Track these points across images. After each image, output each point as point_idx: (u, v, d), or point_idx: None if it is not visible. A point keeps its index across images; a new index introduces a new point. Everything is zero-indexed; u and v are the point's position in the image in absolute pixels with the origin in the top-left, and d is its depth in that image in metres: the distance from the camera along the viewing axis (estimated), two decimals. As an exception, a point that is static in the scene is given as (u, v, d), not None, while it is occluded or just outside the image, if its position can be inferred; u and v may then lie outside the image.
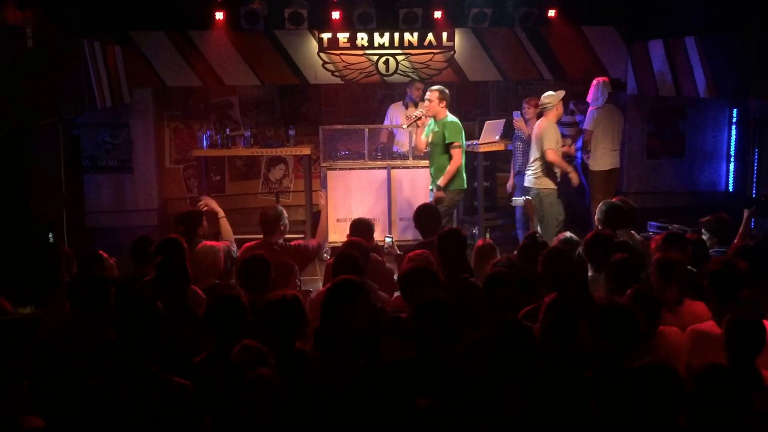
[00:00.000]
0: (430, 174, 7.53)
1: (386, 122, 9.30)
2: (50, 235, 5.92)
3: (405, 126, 8.23)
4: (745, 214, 5.84)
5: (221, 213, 5.82)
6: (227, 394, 2.99)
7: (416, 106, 9.11)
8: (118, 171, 9.48)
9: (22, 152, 5.94)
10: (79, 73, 6.95)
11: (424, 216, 5.83)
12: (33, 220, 5.89)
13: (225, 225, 5.78)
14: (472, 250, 5.32)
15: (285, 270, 4.73)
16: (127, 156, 9.50)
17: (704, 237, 5.57)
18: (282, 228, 5.70)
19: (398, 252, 5.99)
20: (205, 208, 5.89)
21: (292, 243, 5.84)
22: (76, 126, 8.44)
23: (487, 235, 8.62)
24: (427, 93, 7.46)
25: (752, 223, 6.01)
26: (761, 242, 5.41)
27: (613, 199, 5.94)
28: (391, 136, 9.34)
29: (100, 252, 5.12)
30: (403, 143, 9.05)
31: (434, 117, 7.41)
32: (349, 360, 3.44)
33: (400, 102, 9.39)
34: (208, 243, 5.14)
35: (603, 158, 8.45)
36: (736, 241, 5.56)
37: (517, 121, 8.36)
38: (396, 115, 9.23)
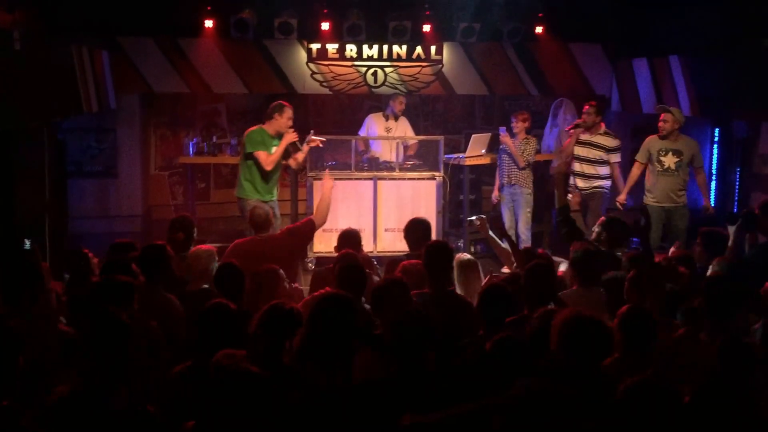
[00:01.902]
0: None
1: (362, 131, 9.33)
2: (27, 242, 5.83)
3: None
4: (730, 229, 5.90)
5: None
6: (212, 397, 2.93)
7: (396, 119, 9.17)
8: (103, 176, 9.44)
9: (7, 155, 5.90)
10: (66, 77, 6.93)
11: (413, 230, 5.82)
12: (16, 224, 5.84)
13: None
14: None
15: (270, 277, 4.72)
16: (112, 161, 9.47)
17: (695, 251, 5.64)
18: (273, 225, 5.81)
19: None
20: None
21: (283, 228, 5.94)
22: (62, 130, 8.39)
23: (472, 249, 8.66)
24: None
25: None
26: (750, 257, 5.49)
27: (611, 215, 5.97)
28: (367, 144, 9.36)
29: (85, 250, 5.05)
30: (379, 153, 9.08)
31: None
32: (324, 375, 3.38)
33: (380, 113, 9.41)
34: (203, 247, 5.13)
35: None
36: (727, 255, 5.62)
37: (504, 135, 8.40)
38: (373, 125, 9.26)
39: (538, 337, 3.51)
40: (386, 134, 9.12)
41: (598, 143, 8.07)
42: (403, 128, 9.27)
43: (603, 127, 8.15)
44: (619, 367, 3.50)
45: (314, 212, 6.46)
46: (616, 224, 5.67)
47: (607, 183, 8.18)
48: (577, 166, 8.17)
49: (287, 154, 7.51)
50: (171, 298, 4.55)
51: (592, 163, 8.09)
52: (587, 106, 8.10)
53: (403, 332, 3.38)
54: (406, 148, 9.17)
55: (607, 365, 3.44)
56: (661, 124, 7.49)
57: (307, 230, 6.01)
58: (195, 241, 5.69)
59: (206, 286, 4.78)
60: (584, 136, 8.11)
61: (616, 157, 8.10)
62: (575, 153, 8.15)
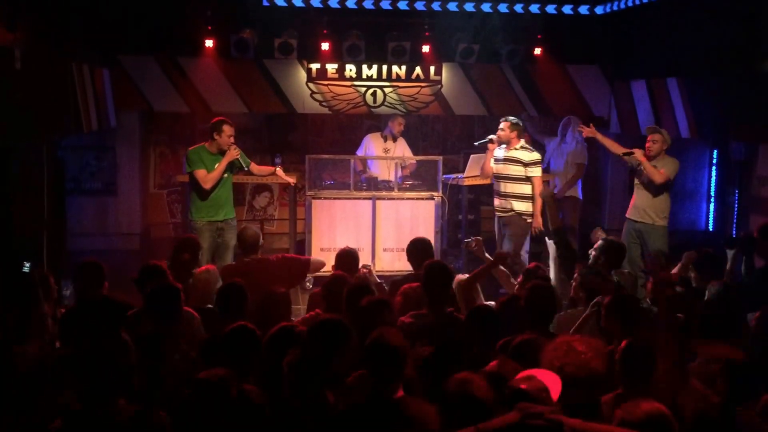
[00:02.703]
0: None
1: (360, 150, 9.35)
2: (27, 265, 5.80)
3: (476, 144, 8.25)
4: (729, 254, 5.89)
5: None
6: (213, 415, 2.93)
7: (395, 140, 9.18)
8: (102, 194, 9.46)
9: (6, 173, 5.90)
10: (66, 95, 6.94)
11: (417, 249, 5.82)
12: (15, 243, 5.83)
13: None
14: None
15: (282, 300, 4.68)
16: (111, 179, 9.49)
17: (691, 274, 5.61)
18: (262, 247, 5.78)
19: (378, 280, 5.99)
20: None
21: (280, 255, 5.89)
22: (61, 148, 8.40)
23: (472, 269, 8.63)
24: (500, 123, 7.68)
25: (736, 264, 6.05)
26: (751, 281, 5.47)
27: (610, 237, 5.95)
28: (365, 164, 9.36)
29: (97, 261, 5.03)
30: (377, 174, 9.08)
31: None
32: (315, 398, 3.36)
33: (378, 133, 9.43)
34: (206, 267, 5.12)
35: None
36: (725, 279, 5.62)
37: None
38: (371, 145, 9.28)
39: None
40: (384, 155, 9.14)
41: (515, 157, 7.60)
42: (402, 149, 9.30)
43: (520, 142, 7.65)
44: (619, 402, 3.48)
45: (312, 259, 6.41)
46: (614, 247, 5.67)
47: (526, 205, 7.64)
48: (494, 185, 7.87)
49: (232, 170, 7.25)
50: (191, 312, 4.53)
51: (511, 179, 7.62)
52: (502, 122, 7.67)
53: (376, 354, 3.31)
54: (403, 167, 9.18)
55: (608, 400, 3.42)
56: (649, 144, 7.42)
57: (302, 269, 5.96)
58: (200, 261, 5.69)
59: (210, 306, 4.77)
60: (501, 153, 7.71)
61: (534, 171, 7.56)
62: (494, 171, 7.81)
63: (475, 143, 8.20)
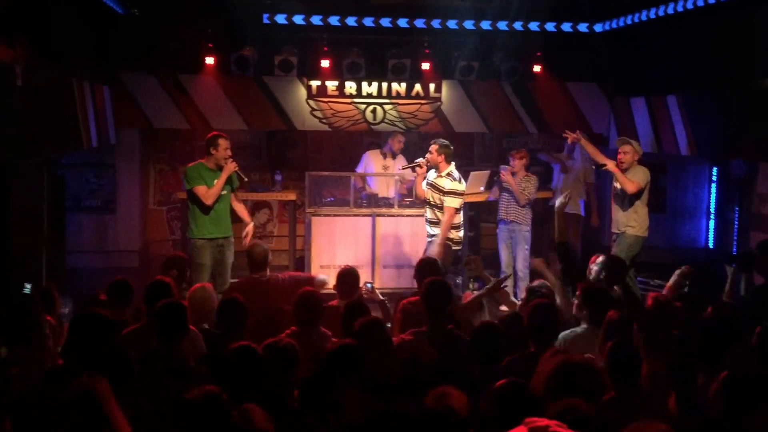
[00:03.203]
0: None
1: (360, 167, 9.34)
2: (27, 286, 5.76)
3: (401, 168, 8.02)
4: (729, 271, 5.88)
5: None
6: None
7: (394, 157, 9.18)
8: (101, 211, 9.46)
9: (7, 191, 5.89)
10: (67, 112, 6.95)
11: (425, 269, 5.75)
12: (14, 261, 5.81)
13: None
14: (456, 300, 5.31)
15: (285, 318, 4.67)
16: (111, 196, 9.48)
17: (686, 290, 5.59)
18: (270, 264, 5.73)
19: (381, 297, 5.95)
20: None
21: (287, 274, 5.87)
22: (60, 165, 8.41)
23: (471, 286, 8.62)
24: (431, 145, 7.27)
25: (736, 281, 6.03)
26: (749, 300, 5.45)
27: (611, 253, 5.93)
28: (364, 181, 9.35)
29: (127, 279, 5.06)
30: (376, 191, 9.07)
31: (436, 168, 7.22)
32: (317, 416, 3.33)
33: (378, 150, 9.42)
34: (201, 285, 5.09)
35: None
36: (725, 298, 5.60)
37: (505, 173, 8.32)
38: (371, 162, 9.27)
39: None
40: (384, 172, 9.13)
41: (437, 185, 7.13)
42: (401, 166, 9.27)
43: (448, 168, 7.14)
44: (614, 405, 3.50)
45: (315, 279, 6.31)
46: (615, 263, 5.65)
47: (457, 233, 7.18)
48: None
49: (232, 184, 7.16)
50: (195, 331, 4.51)
51: (433, 207, 7.21)
52: (431, 145, 7.23)
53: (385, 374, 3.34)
54: (402, 183, 9.16)
55: (603, 404, 3.42)
56: (621, 156, 7.39)
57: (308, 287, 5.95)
58: (188, 278, 5.67)
59: (206, 325, 4.72)
60: (431, 176, 7.25)
61: (448, 201, 7.03)
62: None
63: (401, 167, 7.75)
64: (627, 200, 7.34)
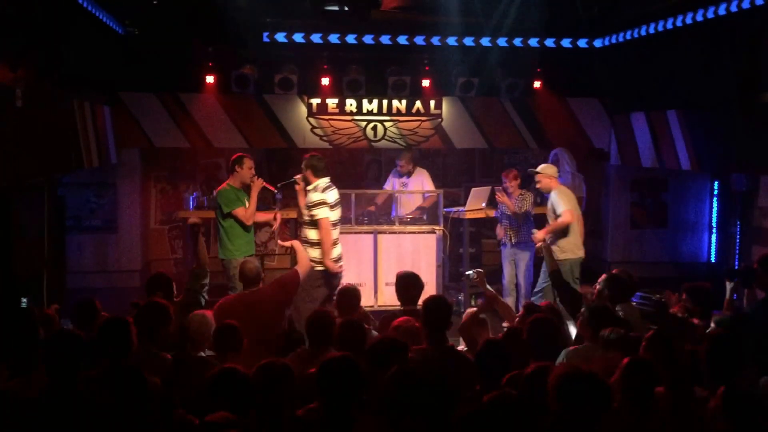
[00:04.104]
0: None
1: (386, 185, 9.36)
2: (24, 300, 5.78)
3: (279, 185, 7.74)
4: (728, 285, 5.85)
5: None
6: None
7: (409, 174, 9.16)
8: (102, 231, 9.44)
9: (7, 211, 5.89)
10: (67, 133, 6.96)
11: (406, 284, 5.73)
12: (15, 281, 5.80)
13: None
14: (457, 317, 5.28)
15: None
16: (112, 216, 9.47)
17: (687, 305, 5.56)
18: (262, 280, 5.76)
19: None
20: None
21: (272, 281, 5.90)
22: (61, 185, 8.41)
23: (473, 302, 8.59)
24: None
25: (735, 295, 6.02)
26: (748, 314, 5.42)
27: (614, 271, 5.88)
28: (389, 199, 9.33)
29: (48, 311, 5.05)
30: (401, 209, 9.01)
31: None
32: None
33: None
34: (199, 312, 5.05)
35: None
36: (723, 311, 5.56)
37: (500, 195, 8.32)
38: (393, 180, 9.34)
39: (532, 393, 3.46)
40: (402, 188, 9.12)
41: (307, 200, 6.92)
42: (420, 180, 9.21)
43: (315, 182, 6.86)
44: (621, 419, 3.46)
45: (298, 266, 6.27)
46: (619, 281, 5.62)
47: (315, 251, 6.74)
48: None
49: (263, 201, 7.38)
50: (167, 358, 4.48)
51: (302, 224, 7.07)
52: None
53: (401, 394, 3.31)
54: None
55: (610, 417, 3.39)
56: (539, 186, 7.82)
57: (294, 282, 5.94)
58: (175, 296, 5.65)
59: (202, 354, 4.69)
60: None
61: (318, 212, 6.73)
62: None
63: (279, 185, 7.65)
64: (564, 228, 7.60)
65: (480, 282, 6.00)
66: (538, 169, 7.85)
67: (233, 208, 7.12)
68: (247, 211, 7.15)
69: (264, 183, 7.30)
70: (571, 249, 7.62)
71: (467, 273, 7.02)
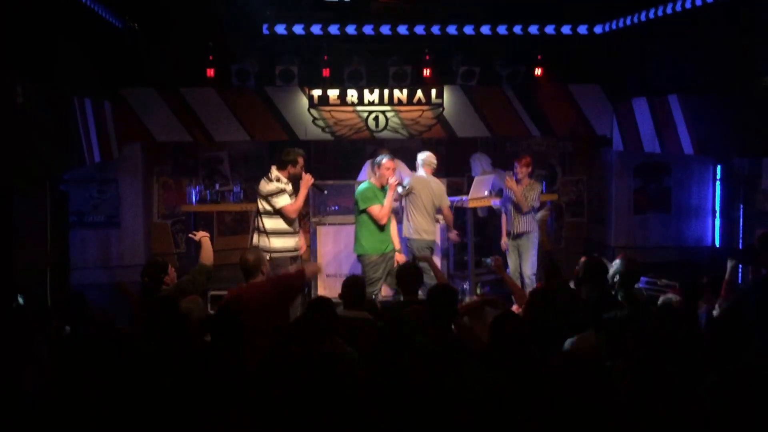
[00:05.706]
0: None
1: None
2: (20, 298, 5.77)
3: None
4: (729, 265, 5.84)
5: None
6: None
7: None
8: (105, 226, 9.44)
9: (9, 208, 5.89)
10: (68, 129, 6.96)
11: (407, 275, 5.72)
12: (18, 279, 5.80)
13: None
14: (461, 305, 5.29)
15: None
16: (114, 211, 9.47)
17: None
18: (264, 271, 5.64)
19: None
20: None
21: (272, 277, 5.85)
22: (63, 181, 8.40)
23: (478, 291, 8.60)
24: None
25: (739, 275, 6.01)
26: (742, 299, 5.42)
27: (619, 257, 5.83)
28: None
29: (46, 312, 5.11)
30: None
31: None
32: None
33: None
34: (192, 297, 5.07)
35: None
36: (722, 293, 5.56)
37: (510, 180, 8.27)
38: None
39: None
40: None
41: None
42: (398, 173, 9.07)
43: (273, 172, 7.06)
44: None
45: (306, 272, 6.25)
46: (631, 266, 5.59)
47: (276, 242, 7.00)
48: None
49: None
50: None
51: (260, 214, 7.13)
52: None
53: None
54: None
55: None
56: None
57: (297, 283, 5.89)
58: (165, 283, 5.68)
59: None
60: None
61: (278, 201, 6.94)
62: None
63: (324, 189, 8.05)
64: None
65: (498, 269, 6.06)
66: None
67: (369, 204, 7.24)
68: (382, 209, 7.28)
69: (313, 181, 7.16)
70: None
71: (484, 259, 7.11)
